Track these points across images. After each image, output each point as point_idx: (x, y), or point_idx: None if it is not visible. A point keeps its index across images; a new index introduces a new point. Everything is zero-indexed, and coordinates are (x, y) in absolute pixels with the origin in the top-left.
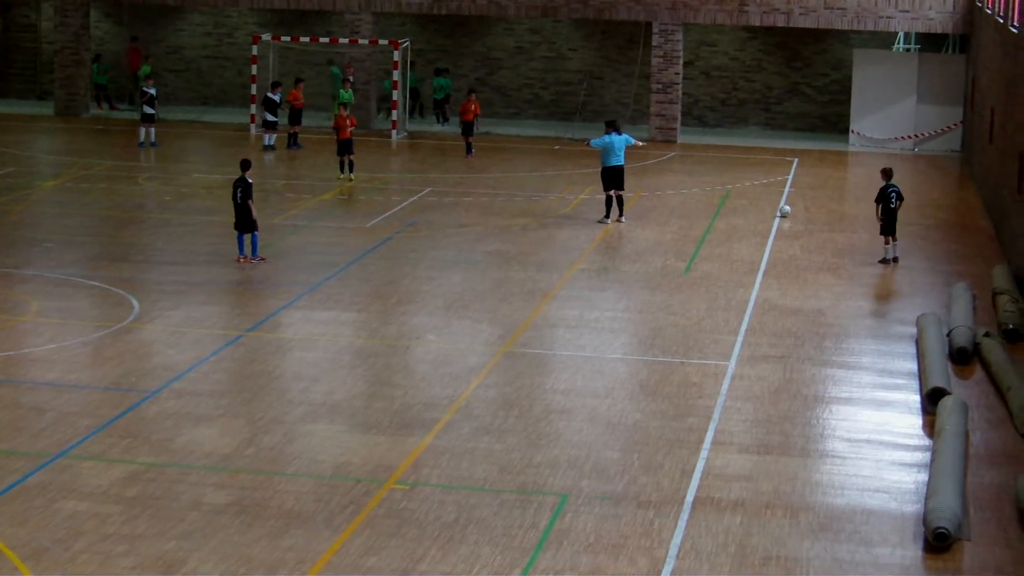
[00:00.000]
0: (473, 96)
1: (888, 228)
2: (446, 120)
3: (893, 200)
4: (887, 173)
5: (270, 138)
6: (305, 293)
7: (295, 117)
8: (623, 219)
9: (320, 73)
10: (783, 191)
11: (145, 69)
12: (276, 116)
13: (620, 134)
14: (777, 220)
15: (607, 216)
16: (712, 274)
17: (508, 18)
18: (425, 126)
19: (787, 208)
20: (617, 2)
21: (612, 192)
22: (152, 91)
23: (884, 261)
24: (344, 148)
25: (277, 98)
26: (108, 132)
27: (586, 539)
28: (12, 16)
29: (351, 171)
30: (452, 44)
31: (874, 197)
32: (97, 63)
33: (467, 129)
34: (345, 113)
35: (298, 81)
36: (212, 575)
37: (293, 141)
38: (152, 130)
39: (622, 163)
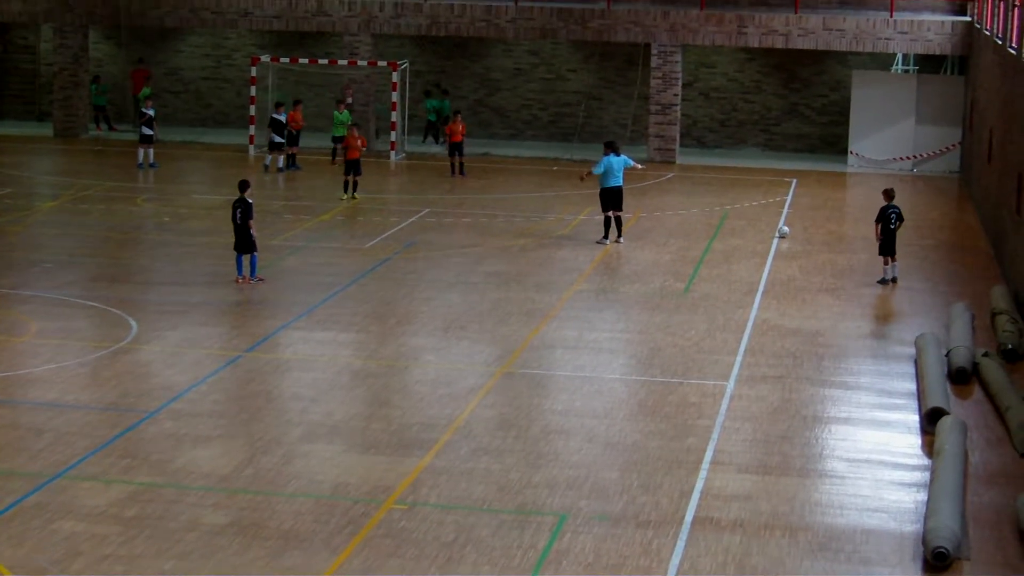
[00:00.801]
0: (459, 117)
1: (887, 248)
2: (442, 141)
3: (893, 220)
4: (888, 194)
5: (272, 159)
6: (304, 314)
7: (293, 138)
8: (622, 240)
9: (318, 95)
10: (782, 212)
11: (145, 91)
12: (284, 137)
13: (619, 155)
14: (776, 241)
15: (606, 237)
16: (711, 294)
17: (507, 40)
18: (436, 148)
19: (786, 229)
20: (616, 24)
21: (611, 213)
22: (151, 112)
23: (883, 281)
24: (351, 168)
25: (283, 118)
26: (107, 153)
27: (585, 559)
28: (11, 37)
29: (354, 191)
30: (451, 65)
31: (874, 217)
32: (96, 84)
33: (456, 150)
34: (356, 133)
35: (296, 103)
36: None
37: (291, 162)
38: (151, 151)
39: (621, 184)
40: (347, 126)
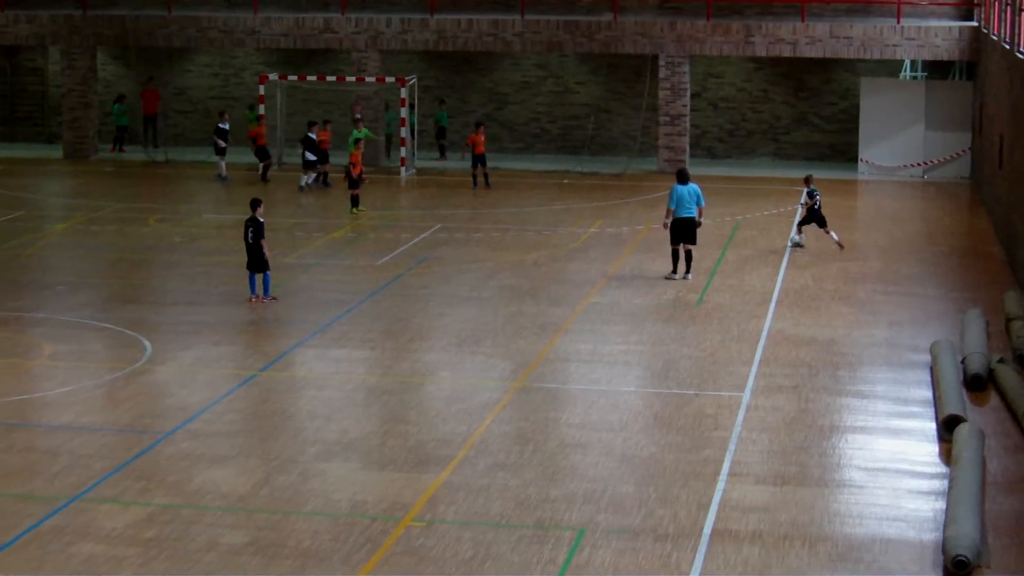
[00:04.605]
0: (481, 128)
1: (818, 221)
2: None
3: (818, 202)
4: (808, 180)
5: (307, 177)
6: (317, 331)
7: (323, 157)
8: (689, 276)
9: (327, 112)
10: (793, 221)
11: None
12: (316, 155)
13: (687, 184)
14: (788, 250)
15: (674, 271)
16: (724, 305)
17: (514, 53)
18: (449, 163)
19: (797, 238)
20: (623, 36)
21: (680, 246)
22: (225, 127)
23: (797, 245)
24: (354, 183)
25: (315, 136)
26: (117, 175)
27: (604, 573)
28: (19, 60)
29: (356, 206)
30: (459, 80)
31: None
32: (119, 104)
33: (479, 161)
34: (361, 149)
35: (325, 122)
36: None
37: (324, 180)
38: (223, 163)
39: (693, 215)
40: (356, 143)
